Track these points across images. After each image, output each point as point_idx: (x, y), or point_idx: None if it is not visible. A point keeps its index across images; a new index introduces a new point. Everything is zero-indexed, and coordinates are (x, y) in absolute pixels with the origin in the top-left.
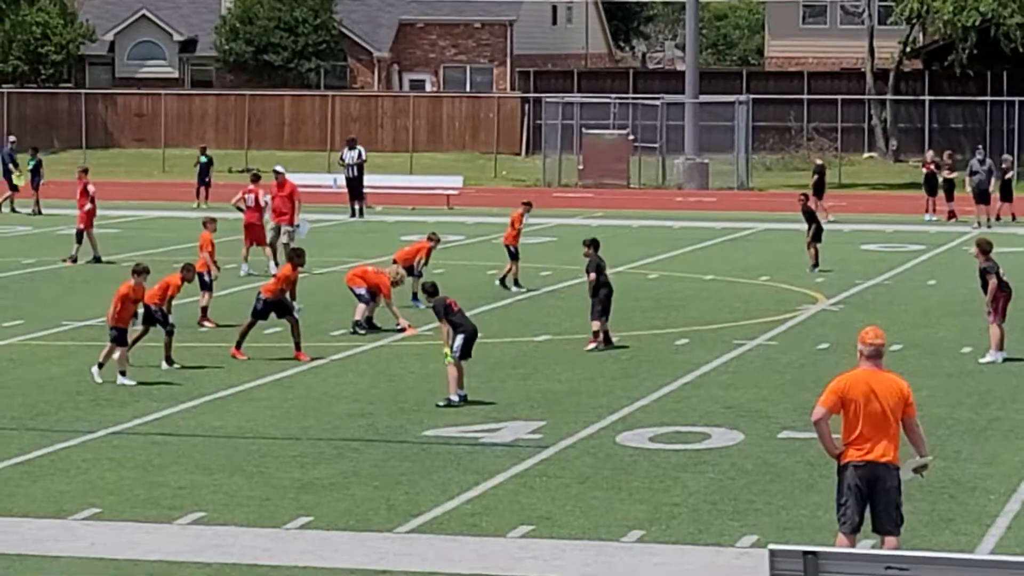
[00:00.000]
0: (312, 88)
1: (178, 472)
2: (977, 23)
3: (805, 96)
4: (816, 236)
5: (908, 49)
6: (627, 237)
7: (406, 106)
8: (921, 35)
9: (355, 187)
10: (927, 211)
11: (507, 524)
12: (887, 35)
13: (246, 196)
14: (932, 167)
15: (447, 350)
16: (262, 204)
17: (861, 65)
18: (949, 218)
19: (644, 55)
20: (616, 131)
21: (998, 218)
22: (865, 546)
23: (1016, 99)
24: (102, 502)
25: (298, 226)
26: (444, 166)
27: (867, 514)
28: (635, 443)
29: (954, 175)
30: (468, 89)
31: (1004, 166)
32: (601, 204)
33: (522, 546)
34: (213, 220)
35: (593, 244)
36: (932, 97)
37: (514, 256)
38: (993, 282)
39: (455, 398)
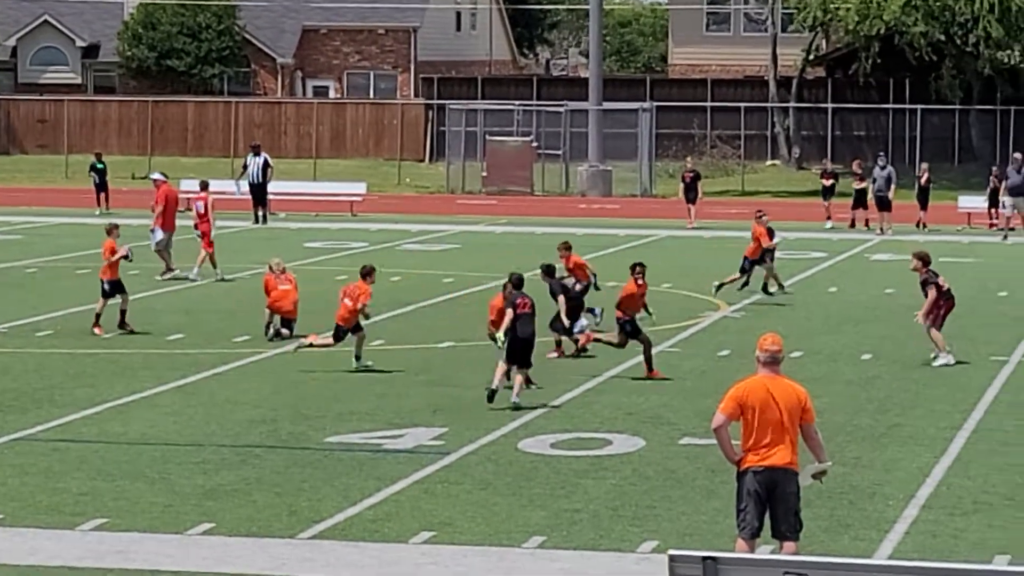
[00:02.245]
0: (215, 94)
1: (80, 478)
2: (881, 32)
3: (708, 103)
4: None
5: (811, 57)
6: (530, 244)
7: (310, 112)
8: (824, 43)
9: (259, 194)
10: (828, 218)
11: (409, 530)
12: (791, 43)
13: (196, 204)
14: (831, 179)
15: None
16: (210, 212)
17: (764, 73)
18: (852, 225)
19: (548, 62)
20: (520, 138)
21: (919, 225)
22: (764, 551)
23: (919, 107)
24: (4, 508)
25: (153, 231)
26: (348, 172)
27: (767, 520)
28: (536, 450)
29: (864, 184)
30: (372, 95)
31: (922, 174)
32: (505, 211)
33: (424, 552)
34: (116, 227)
35: (546, 270)
36: (835, 105)
37: None
38: (933, 293)
39: (494, 385)
